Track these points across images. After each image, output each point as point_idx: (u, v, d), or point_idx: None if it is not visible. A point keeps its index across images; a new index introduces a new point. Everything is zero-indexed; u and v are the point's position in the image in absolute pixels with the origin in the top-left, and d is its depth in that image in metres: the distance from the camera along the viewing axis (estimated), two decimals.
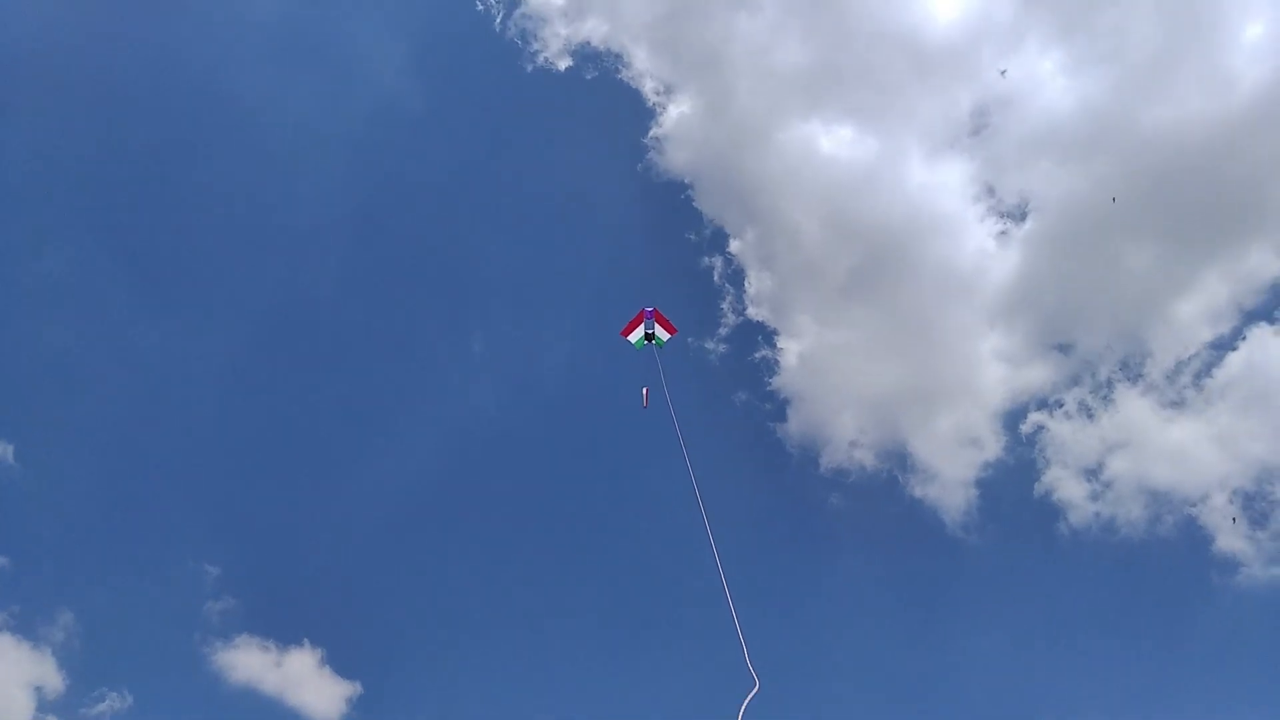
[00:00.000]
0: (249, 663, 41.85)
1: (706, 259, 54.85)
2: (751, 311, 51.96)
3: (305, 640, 42.88)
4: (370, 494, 50.88)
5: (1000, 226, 49.94)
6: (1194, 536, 42.41)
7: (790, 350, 51.19)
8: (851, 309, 51.27)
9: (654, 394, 28.48)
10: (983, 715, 43.30)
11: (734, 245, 53.46)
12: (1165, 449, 44.20)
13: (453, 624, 48.51)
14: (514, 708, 44.78)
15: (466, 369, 55.18)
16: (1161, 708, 41.29)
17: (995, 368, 48.60)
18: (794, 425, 50.15)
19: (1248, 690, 40.16)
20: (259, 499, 48.80)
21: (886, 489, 48.51)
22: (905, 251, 50.14)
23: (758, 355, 52.32)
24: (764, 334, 52.47)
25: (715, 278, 54.41)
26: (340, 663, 42.95)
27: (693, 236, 55.26)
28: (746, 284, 52.82)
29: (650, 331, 27.76)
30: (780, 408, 51.49)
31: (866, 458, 48.36)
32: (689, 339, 53.96)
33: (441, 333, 55.79)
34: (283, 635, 42.86)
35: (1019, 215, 49.71)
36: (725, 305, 53.29)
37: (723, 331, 52.86)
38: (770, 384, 51.25)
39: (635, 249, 57.41)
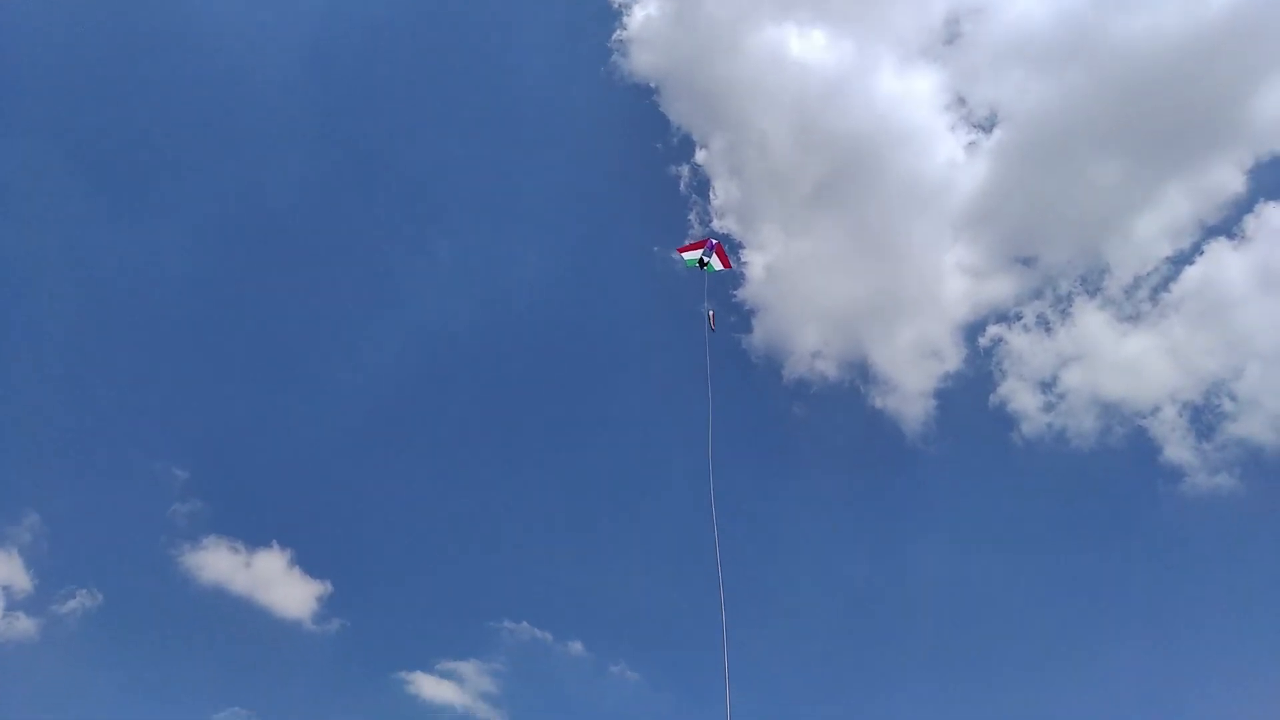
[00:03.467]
0: (217, 564, 42.36)
1: (674, 167, 54.34)
2: (717, 223, 51.86)
3: (274, 542, 43.40)
4: (339, 397, 51.05)
5: (970, 137, 49.84)
6: (1142, 447, 43.78)
7: (756, 262, 51.29)
8: (818, 220, 51.29)
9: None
10: (937, 618, 45.28)
11: (700, 155, 53.00)
12: (1119, 362, 45.26)
13: (421, 525, 49.44)
14: (482, 606, 46.24)
15: (434, 276, 55.16)
16: (1107, 608, 43.22)
17: (958, 280, 49.12)
18: (758, 336, 50.63)
19: (1187, 591, 42.33)
20: (227, 402, 48.66)
21: (848, 400, 49.41)
22: (874, 162, 49.89)
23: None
24: (730, 245, 52.28)
25: (682, 187, 54.08)
26: (309, 563, 43.69)
27: (659, 145, 54.64)
28: (713, 194, 52.56)
29: (706, 259, 27.97)
30: (745, 319, 51.86)
31: (829, 369, 49.09)
32: (655, 248, 54.07)
33: (408, 239, 55.31)
34: (251, 537, 43.33)
35: (988, 126, 49.51)
36: (692, 216, 53.14)
37: (688, 243, 52.79)
38: (735, 295, 51.54)
39: (601, 156, 56.69)
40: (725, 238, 51.18)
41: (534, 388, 54.41)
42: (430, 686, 41.85)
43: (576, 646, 44.45)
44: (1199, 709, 38.59)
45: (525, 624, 44.24)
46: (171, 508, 43.63)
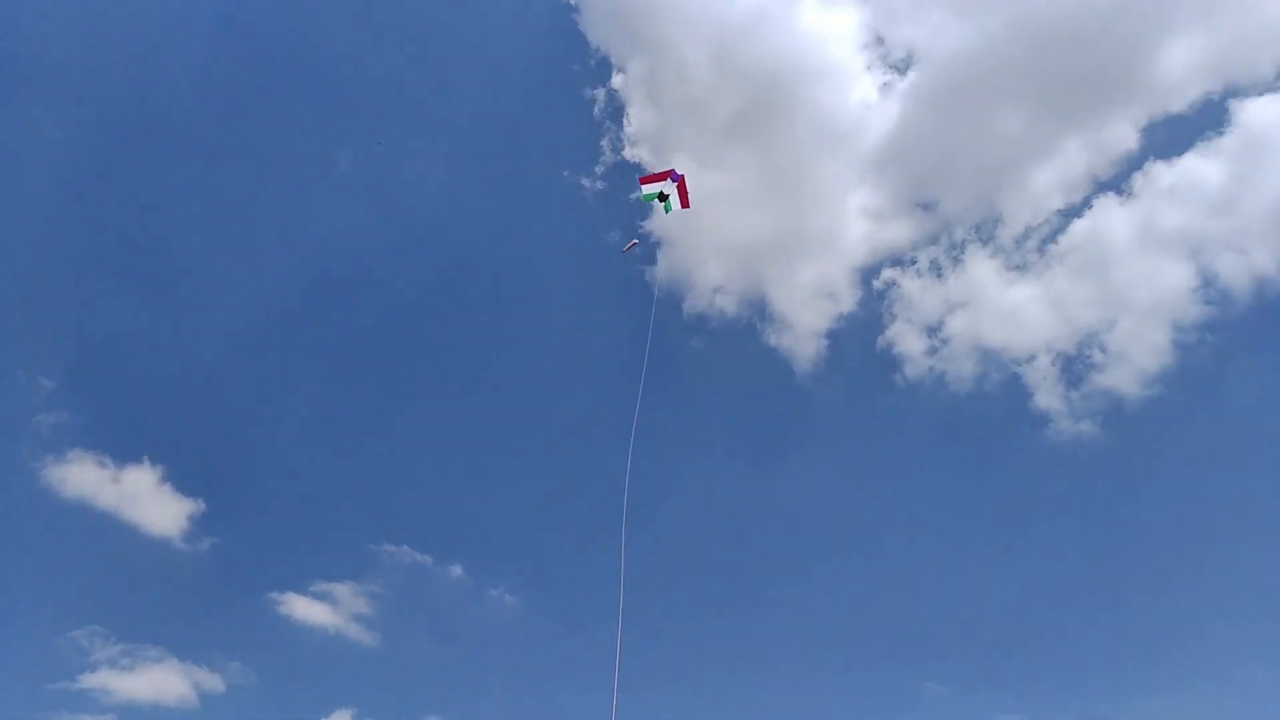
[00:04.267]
0: (83, 478, 40.61)
1: (589, 90, 52.68)
2: (629, 151, 50.72)
3: (145, 457, 41.74)
4: (222, 309, 48.72)
5: (885, 78, 49.48)
6: (1015, 393, 45.30)
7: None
8: (731, 154, 50.53)
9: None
10: (820, 544, 46.89)
11: (617, 79, 51.32)
12: (1002, 310, 46.45)
13: (301, 444, 48.34)
14: (361, 528, 45.87)
15: (332, 187, 52.54)
16: (970, 540, 45.14)
17: (860, 222, 49.40)
18: (663, 267, 50.06)
19: (1044, 529, 44.42)
20: (100, 309, 45.98)
21: (745, 336, 49.72)
22: (790, 98, 49.12)
23: (633, 195, 51.52)
24: (640, 174, 51.47)
25: (596, 111, 52.60)
26: (182, 480, 42.25)
27: (576, 66, 52.73)
28: (627, 120, 51.25)
29: (666, 194, 27.03)
30: (650, 250, 51.19)
31: (728, 305, 49.17)
32: (565, 172, 52.85)
33: (306, 147, 52.63)
34: (120, 451, 41.57)
35: (903, 68, 49.22)
36: (605, 143, 51.87)
37: (599, 169, 51.70)
38: (643, 226, 50.74)
39: (515, 72, 54.45)
40: (637, 166, 50.41)
41: (429, 307, 53.27)
42: (303, 608, 41.51)
43: (456, 570, 44.62)
44: (1049, 632, 41.08)
45: (405, 547, 44.07)
46: (35, 419, 41.57)
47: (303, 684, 41.58)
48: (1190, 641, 38.38)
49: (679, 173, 26.29)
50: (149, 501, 41.38)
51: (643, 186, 27.32)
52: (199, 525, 42.17)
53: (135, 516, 40.88)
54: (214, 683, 38.96)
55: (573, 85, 53.42)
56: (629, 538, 47.40)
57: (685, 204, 26.60)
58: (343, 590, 42.25)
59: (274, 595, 41.56)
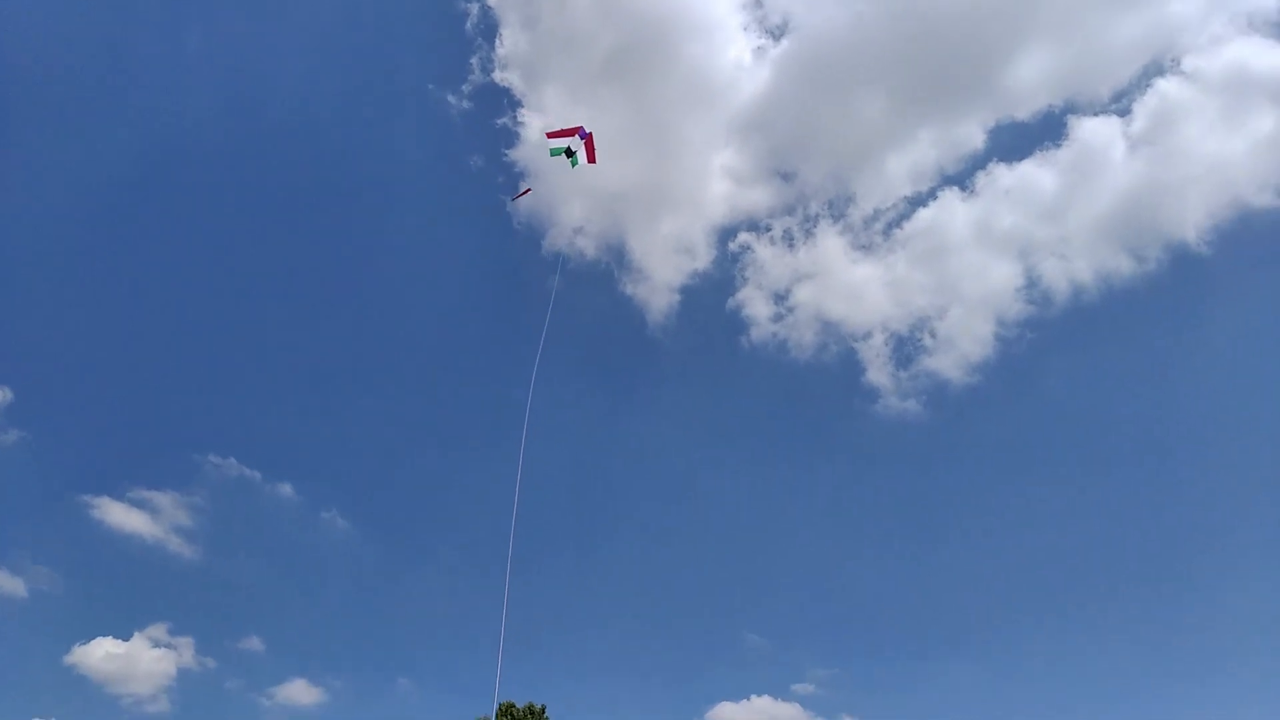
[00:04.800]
0: None
1: (463, 2, 51.34)
2: (499, 75, 49.83)
3: None
4: (48, 185, 45.43)
5: (760, 42, 50.49)
6: (850, 367, 47.81)
7: (533, 124, 50.01)
8: (603, 93, 50.43)
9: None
10: (654, 492, 48.83)
11: None
12: (846, 286, 48.65)
13: (125, 336, 46.16)
14: (186, 435, 44.12)
15: (177, 65, 49.28)
16: (801, 502, 48.31)
17: (722, 183, 50.57)
18: (524, 201, 49.87)
19: (863, 496, 47.56)
20: None
21: (601, 280, 50.29)
22: (667, 47, 49.45)
23: (499, 122, 50.78)
24: (510, 100, 50.72)
25: (468, 26, 51.23)
26: None
27: None
28: (500, 41, 50.23)
29: (572, 150, 26.37)
30: (514, 180, 50.80)
31: (588, 247, 49.51)
32: (430, 86, 51.34)
33: (150, 22, 49.03)
34: None
35: (778, 34, 50.30)
36: (474, 60, 50.65)
37: (466, 89, 50.48)
38: (507, 155, 50.28)
39: None
40: (506, 91, 49.59)
41: (274, 207, 51.19)
42: (119, 514, 39.81)
43: (286, 489, 43.64)
44: (863, 593, 44.27)
45: (232, 460, 42.73)
46: None
47: (115, 594, 40.09)
48: (987, 611, 42.03)
49: (587, 130, 26.40)
50: None
51: (550, 140, 27.12)
52: (6, 415, 40.00)
53: None
54: (14, 586, 37.17)
55: None
56: (462, 475, 47.77)
57: (592, 159, 26.77)
58: (163, 499, 40.73)
59: (87, 498, 39.69)
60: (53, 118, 45.74)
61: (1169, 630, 38.65)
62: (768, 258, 49.48)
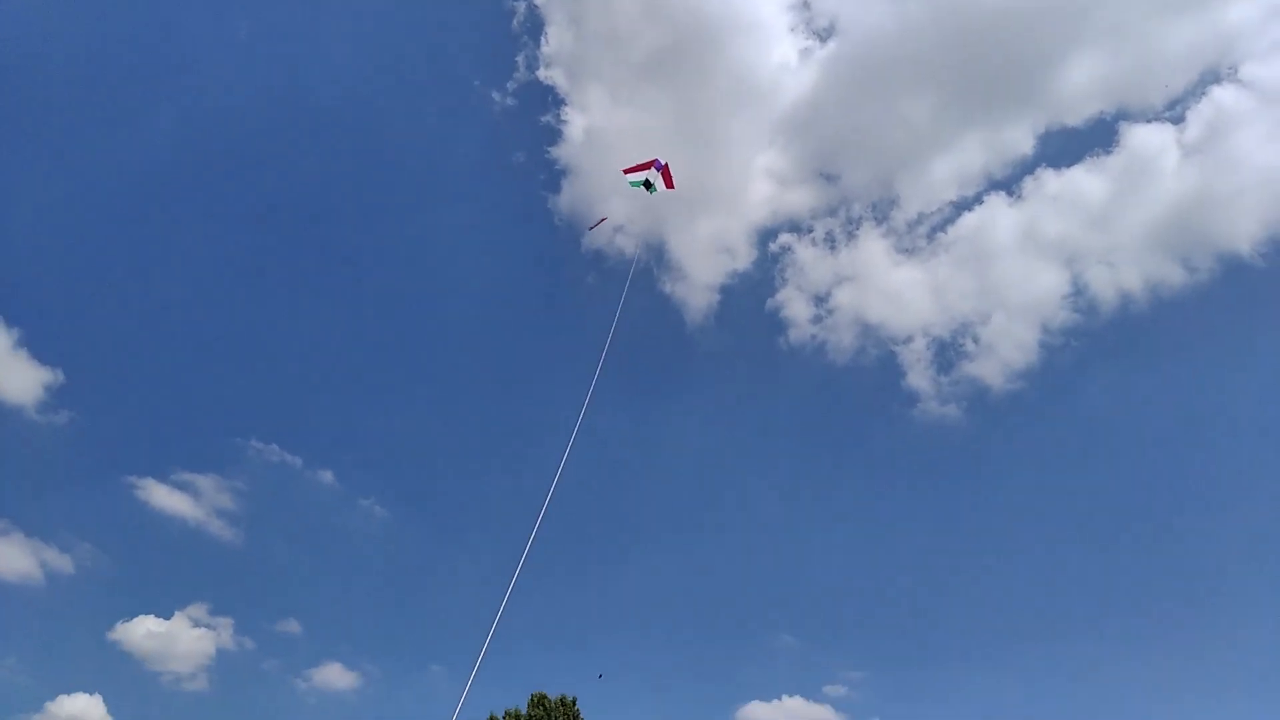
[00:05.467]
0: None
1: (510, 1, 51.67)
2: (544, 72, 50.08)
3: None
4: (100, 171, 46.58)
5: (806, 43, 50.23)
6: (890, 370, 47.51)
7: (576, 123, 50.27)
8: (646, 92, 50.53)
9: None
10: (690, 493, 48.86)
11: None
12: (887, 290, 48.41)
13: (175, 322, 46.98)
14: (230, 420, 44.84)
15: (228, 54, 50.00)
16: (837, 505, 48.30)
17: (764, 184, 50.35)
18: (565, 199, 50.17)
19: (906, 500, 47.34)
20: None
21: (641, 278, 50.14)
22: (712, 46, 49.30)
23: (543, 119, 51.00)
24: (554, 98, 50.96)
25: (515, 24, 51.57)
26: (40, 346, 40.43)
27: None
28: (545, 40, 50.49)
29: (650, 181, 26.86)
30: (555, 178, 51.15)
31: (628, 245, 49.50)
32: (476, 81, 51.77)
33: (203, 9, 49.78)
34: None
35: (825, 36, 49.99)
36: (520, 58, 50.98)
37: (511, 86, 50.80)
38: (550, 152, 50.50)
39: None
40: (550, 89, 49.87)
41: (321, 197, 51.81)
42: (163, 496, 40.55)
43: (327, 475, 44.20)
44: (897, 597, 44.16)
45: (274, 446, 43.38)
46: None
47: (157, 573, 40.89)
48: (1023, 620, 41.72)
49: (662, 161, 26.73)
50: (1, 365, 39.47)
51: (627, 176, 27.47)
52: (56, 397, 40.64)
53: None
54: (63, 563, 38.03)
55: None
56: (498, 466, 47.98)
57: (670, 185, 27.06)
58: (206, 483, 41.44)
59: (132, 479, 40.46)
60: (106, 105, 46.75)
61: (1209, 647, 37.96)
62: (808, 259, 49.35)
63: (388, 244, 52.21)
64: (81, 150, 45.95)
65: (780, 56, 49.67)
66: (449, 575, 45.09)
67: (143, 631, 37.48)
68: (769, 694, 39.05)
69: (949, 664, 40.92)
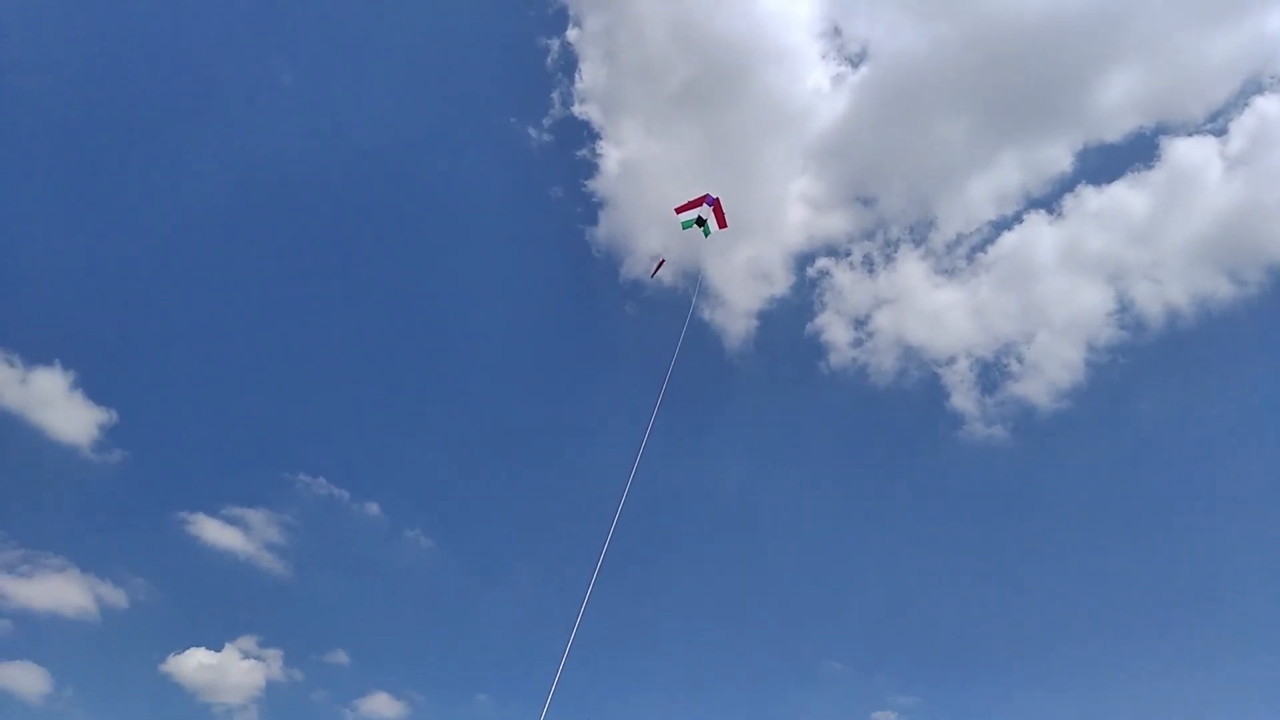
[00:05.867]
0: None
1: (543, 39, 52.39)
2: (578, 108, 50.88)
3: (57, 360, 40.44)
4: (152, 215, 47.28)
5: (838, 69, 50.46)
6: (933, 392, 47.11)
7: (612, 156, 50.90)
8: (679, 123, 51.09)
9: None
10: (732, 519, 48.17)
11: (573, 32, 51.32)
12: (927, 311, 48.16)
13: (223, 361, 47.51)
14: (278, 454, 45.42)
15: (270, 101, 51.42)
16: (882, 530, 47.18)
17: (799, 209, 50.53)
18: (603, 230, 50.67)
19: (953, 523, 46.35)
20: (20, 198, 44.27)
21: (679, 307, 50.45)
22: (744, 75, 49.78)
23: (579, 154, 51.69)
24: (589, 132, 51.66)
25: (549, 62, 52.40)
26: (95, 387, 41.13)
27: (532, 12, 52.73)
28: (579, 76, 51.29)
29: (703, 218, 27.17)
30: (593, 210, 51.66)
31: (665, 274, 49.82)
32: (512, 119, 52.61)
33: (248, 58, 51.25)
34: (31, 351, 40.10)
35: (857, 61, 50.21)
36: (555, 95, 51.80)
37: (547, 122, 51.62)
38: (586, 185, 51.14)
39: (472, 10, 53.84)
40: (585, 124, 50.54)
41: (361, 236, 52.53)
42: (213, 531, 41.11)
43: (373, 508, 44.59)
44: (946, 621, 43.27)
45: (322, 479, 43.89)
46: None
47: (208, 606, 41.31)
48: (1073, 643, 40.52)
49: (714, 196, 26.82)
50: (58, 407, 40.32)
51: (679, 215, 27.64)
52: (110, 436, 41.37)
53: (43, 420, 39.83)
54: (117, 597, 38.57)
55: (528, 31, 53.25)
56: (534, 495, 48.04)
57: (723, 224, 27.08)
58: (255, 516, 41.96)
59: (184, 514, 41.05)
60: (151, 148, 47.95)
61: (1259, 668, 36.74)
62: (847, 283, 49.23)
63: (429, 279, 52.93)
64: (131, 193, 47.14)
65: (813, 83, 50.03)
66: (493, 604, 45.16)
67: (194, 664, 37.87)
68: None
69: (1000, 685, 40.08)
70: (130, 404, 42.45)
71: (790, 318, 49.71)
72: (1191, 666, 38.15)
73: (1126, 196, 45.83)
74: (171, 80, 48.94)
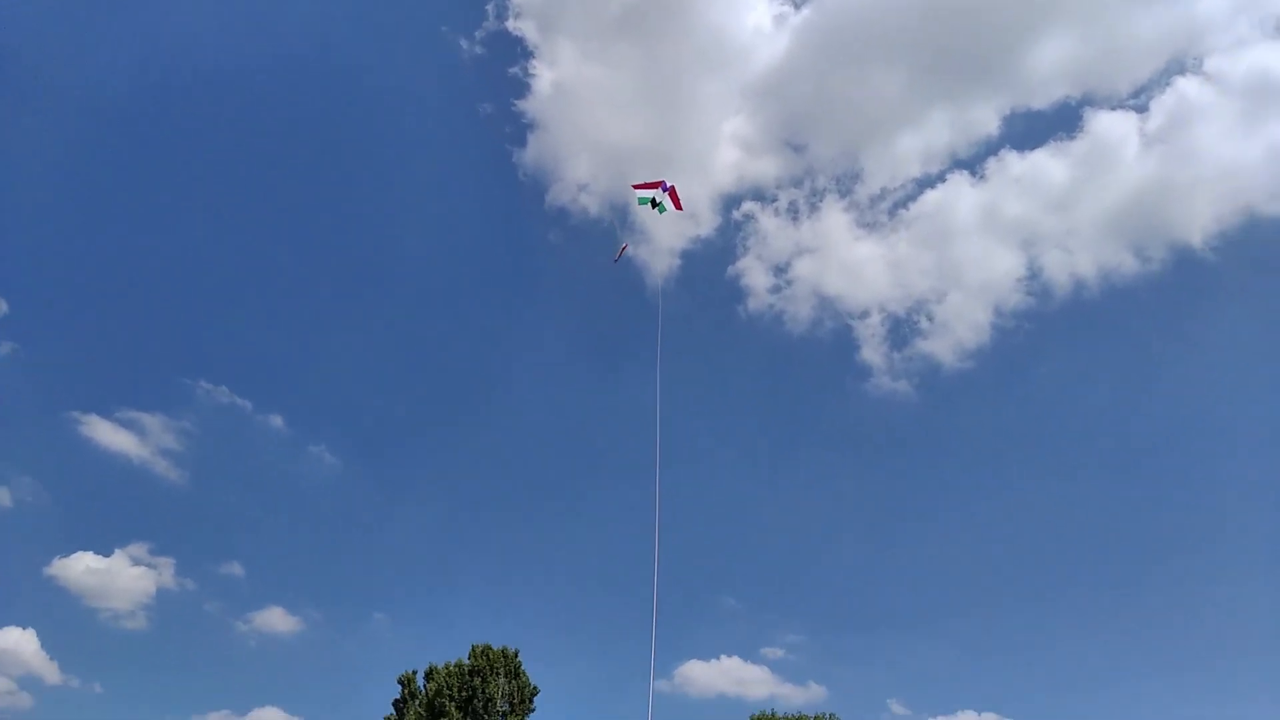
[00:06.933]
0: None
1: None
2: (513, 23, 49.30)
3: None
4: (54, 98, 45.39)
5: (780, 9, 50.07)
6: (845, 343, 48.02)
7: (544, 76, 49.63)
8: (617, 48, 49.83)
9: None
10: (642, 453, 49.24)
11: None
12: (846, 264, 48.56)
13: (124, 256, 46.65)
14: (178, 359, 44.50)
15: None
16: (788, 473, 49.28)
17: (731, 149, 50.07)
18: (531, 153, 49.71)
19: (856, 472, 48.66)
20: None
21: (603, 239, 50.16)
22: (685, 5, 49.12)
23: (510, 71, 50.32)
24: (522, 49, 50.34)
25: None
26: None
27: None
28: None
29: (659, 200, 26.99)
30: (521, 132, 50.65)
31: (591, 204, 49.24)
32: (444, 28, 51.00)
33: None
34: None
35: (800, 2, 49.88)
36: (489, 7, 50.21)
37: (479, 34, 50.01)
38: (516, 105, 49.91)
39: None
40: (519, 40, 49.23)
41: (279, 133, 51.01)
42: (106, 433, 40.27)
43: (277, 420, 44.08)
44: (840, 565, 45.77)
45: (224, 388, 43.17)
46: None
47: (99, 511, 40.78)
48: (962, 593, 42.83)
49: (669, 184, 27.08)
50: None
51: (637, 191, 27.84)
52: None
53: None
54: (1, 496, 37.70)
55: None
56: (458, 416, 47.83)
57: (679, 207, 27.41)
58: (151, 421, 41.18)
59: (75, 414, 40.16)
60: (55, 34, 45.54)
61: (1145, 625, 39.43)
62: (771, 229, 49.33)
63: (349, 189, 51.74)
64: (28, 80, 44.84)
65: (754, 21, 49.47)
66: (395, 524, 45.44)
67: (81, 568, 37.46)
68: (708, 654, 40.22)
69: (886, 631, 42.24)
70: (21, 294, 41.32)
71: (713, 259, 49.84)
72: (1080, 614, 40.56)
73: (1047, 164, 46.71)
74: None
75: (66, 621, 37.10)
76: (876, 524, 46.29)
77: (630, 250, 45.52)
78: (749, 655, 39.91)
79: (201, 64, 48.47)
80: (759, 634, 41.89)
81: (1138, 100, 45.28)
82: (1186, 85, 44.43)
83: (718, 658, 39.72)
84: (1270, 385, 41.03)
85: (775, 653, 40.52)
